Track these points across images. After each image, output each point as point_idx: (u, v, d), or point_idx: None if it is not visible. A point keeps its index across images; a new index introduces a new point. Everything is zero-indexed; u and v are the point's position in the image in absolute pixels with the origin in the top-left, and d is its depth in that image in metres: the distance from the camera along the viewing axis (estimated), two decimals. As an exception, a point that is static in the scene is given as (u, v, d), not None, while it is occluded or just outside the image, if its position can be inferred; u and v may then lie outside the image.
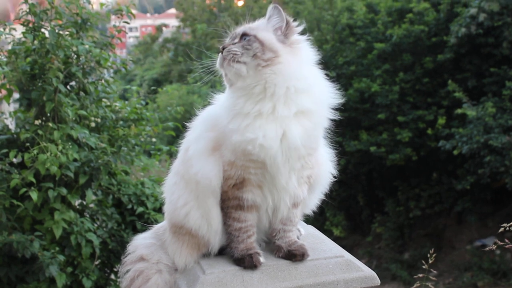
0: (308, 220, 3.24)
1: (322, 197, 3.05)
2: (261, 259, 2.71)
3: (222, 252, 2.85)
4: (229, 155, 2.65)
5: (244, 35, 2.67)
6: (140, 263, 2.90)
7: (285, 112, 2.59)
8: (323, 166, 2.92)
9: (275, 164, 2.62)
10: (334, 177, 3.00)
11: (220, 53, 2.67)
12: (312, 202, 3.03)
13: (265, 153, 2.58)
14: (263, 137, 2.56)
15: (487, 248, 4.24)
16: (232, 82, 2.69)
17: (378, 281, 2.73)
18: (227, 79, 2.72)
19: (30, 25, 5.67)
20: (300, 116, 2.64)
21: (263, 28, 2.73)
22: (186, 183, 2.78)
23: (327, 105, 2.73)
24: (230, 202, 2.73)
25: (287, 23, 2.75)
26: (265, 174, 2.67)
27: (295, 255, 2.75)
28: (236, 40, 2.68)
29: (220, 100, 2.83)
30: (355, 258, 2.84)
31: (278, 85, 2.60)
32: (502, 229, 3.97)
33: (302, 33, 2.82)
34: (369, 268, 2.78)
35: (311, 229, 3.22)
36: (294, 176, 2.72)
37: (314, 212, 3.12)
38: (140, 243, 3.03)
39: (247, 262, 2.68)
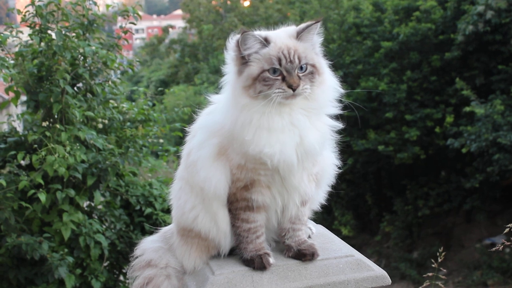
0: (316, 219, 3.22)
1: (329, 189, 3.03)
2: (271, 259, 2.69)
3: (232, 252, 2.84)
4: (238, 159, 2.64)
5: (304, 64, 2.58)
6: (149, 269, 2.88)
7: (312, 123, 2.61)
8: (327, 159, 2.91)
9: (289, 169, 2.62)
10: (342, 175, 2.98)
11: (291, 90, 2.53)
12: (320, 196, 3.01)
13: (282, 165, 2.58)
14: (280, 153, 2.54)
15: (494, 249, 4.22)
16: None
17: (389, 281, 2.71)
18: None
19: (37, 27, 5.67)
20: (318, 121, 2.65)
21: (313, 51, 2.66)
22: (191, 188, 2.78)
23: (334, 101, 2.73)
24: (238, 204, 2.72)
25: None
26: (275, 175, 2.65)
27: (305, 255, 2.74)
28: (297, 71, 2.57)
29: (220, 102, 2.78)
30: (366, 258, 2.82)
31: (322, 101, 2.64)
32: (507, 229, 3.95)
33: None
34: (379, 268, 2.76)
35: (321, 228, 3.20)
36: (305, 175, 2.71)
37: (322, 212, 3.10)
38: (148, 247, 3.02)
39: (256, 263, 2.67)
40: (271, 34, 2.67)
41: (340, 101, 2.73)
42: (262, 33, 2.65)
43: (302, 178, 2.70)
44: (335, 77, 2.73)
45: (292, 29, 2.70)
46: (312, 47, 2.65)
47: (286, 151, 2.54)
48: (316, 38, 2.67)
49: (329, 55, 2.79)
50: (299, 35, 2.62)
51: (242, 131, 2.56)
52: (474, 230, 18.26)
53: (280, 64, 2.54)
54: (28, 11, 5.72)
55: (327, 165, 2.90)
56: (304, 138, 2.57)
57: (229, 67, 2.69)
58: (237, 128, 2.57)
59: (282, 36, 2.65)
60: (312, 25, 2.63)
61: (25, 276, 5.32)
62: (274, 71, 2.55)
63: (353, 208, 21.05)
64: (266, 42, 2.58)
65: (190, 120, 2.99)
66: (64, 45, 5.48)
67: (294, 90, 2.53)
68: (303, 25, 2.66)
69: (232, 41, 2.66)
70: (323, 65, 2.68)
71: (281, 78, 2.55)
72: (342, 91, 2.71)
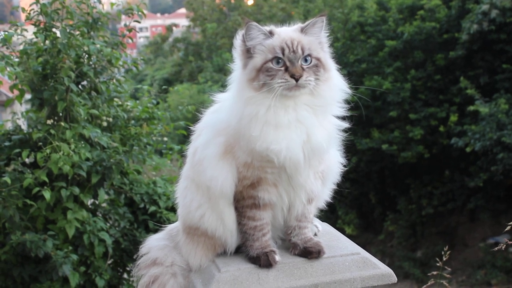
0: (320, 218, 3.23)
1: (334, 187, 3.03)
2: (277, 257, 2.68)
3: (238, 250, 2.83)
4: (245, 157, 2.63)
5: (307, 56, 2.58)
6: (154, 267, 2.88)
7: (319, 121, 2.60)
8: (333, 157, 2.91)
9: (296, 167, 2.61)
10: (346, 174, 2.98)
11: (293, 80, 2.51)
12: (325, 193, 3.01)
13: (288, 162, 2.57)
14: (286, 149, 2.53)
15: (496, 248, 4.21)
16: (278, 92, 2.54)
17: (395, 279, 2.71)
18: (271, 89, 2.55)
19: (42, 25, 5.67)
20: (324, 120, 2.64)
21: (317, 45, 2.65)
22: (197, 186, 2.78)
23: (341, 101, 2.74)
24: (245, 202, 2.72)
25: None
26: (281, 173, 2.65)
27: (311, 253, 2.73)
28: (301, 62, 2.56)
29: (225, 101, 2.78)
30: (371, 256, 2.81)
31: (328, 99, 2.63)
32: (508, 227, 3.94)
33: None
34: (385, 266, 2.75)
35: (327, 226, 3.20)
36: (311, 173, 2.71)
37: (326, 210, 3.10)
38: (153, 245, 3.01)
39: (262, 261, 2.66)
40: (275, 28, 2.69)
41: (348, 102, 2.73)
42: (267, 27, 2.66)
43: (309, 176, 2.69)
44: (343, 79, 2.73)
45: (297, 25, 2.72)
46: (318, 42, 2.65)
47: (292, 148, 2.53)
48: (322, 34, 2.68)
49: (333, 54, 2.79)
50: (303, 29, 2.64)
51: (248, 126, 2.54)
52: (478, 229, 18.24)
53: (283, 54, 2.54)
54: (32, 9, 5.72)
55: (332, 163, 2.90)
56: (311, 135, 2.56)
57: (236, 64, 2.69)
58: (243, 124, 2.56)
59: (286, 30, 2.68)
60: (317, 19, 2.64)
61: (29, 274, 5.33)
62: (278, 61, 2.55)
63: (356, 207, 21.05)
64: (270, 33, 2.59)
65: (194, 119, 2.99)
66: (69, 43, 5.49)
67: (296, 80, 2.52)
68: (308, 21, 2.69)
69: (238, 37, 2.66)
70: (330, 62, 2.68)
71: (284, 68, 2.54)
72: (349, 91, 2.71)
